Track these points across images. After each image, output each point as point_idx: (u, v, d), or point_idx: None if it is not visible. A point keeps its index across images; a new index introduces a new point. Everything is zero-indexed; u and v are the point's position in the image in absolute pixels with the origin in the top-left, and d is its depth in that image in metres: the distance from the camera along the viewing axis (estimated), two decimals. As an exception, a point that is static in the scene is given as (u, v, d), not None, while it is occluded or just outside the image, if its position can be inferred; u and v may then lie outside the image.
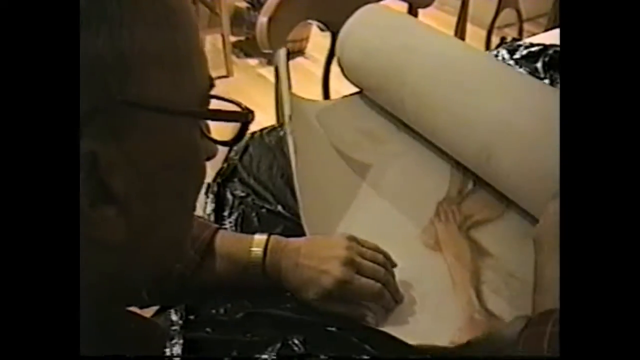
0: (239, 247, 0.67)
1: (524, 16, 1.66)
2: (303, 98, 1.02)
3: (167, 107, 0.34)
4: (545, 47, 1.29)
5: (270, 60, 2.49)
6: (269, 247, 0.67)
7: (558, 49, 1.29)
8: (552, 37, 1.40)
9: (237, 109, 0.41)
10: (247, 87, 2.65)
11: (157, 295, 0.65)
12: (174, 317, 0.64)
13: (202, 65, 0.39)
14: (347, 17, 1.17)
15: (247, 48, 2.97)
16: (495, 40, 1.53)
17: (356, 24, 0.99)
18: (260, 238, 0.68)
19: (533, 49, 1.29)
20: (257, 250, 0.67)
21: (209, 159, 0.43)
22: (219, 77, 2.77)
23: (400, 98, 0.90)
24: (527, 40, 1.38)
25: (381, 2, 1.07)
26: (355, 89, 1.07)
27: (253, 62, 2.84)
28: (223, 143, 0.42)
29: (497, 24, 1.54)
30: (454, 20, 1.45)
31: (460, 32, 1.50)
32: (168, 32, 0.34)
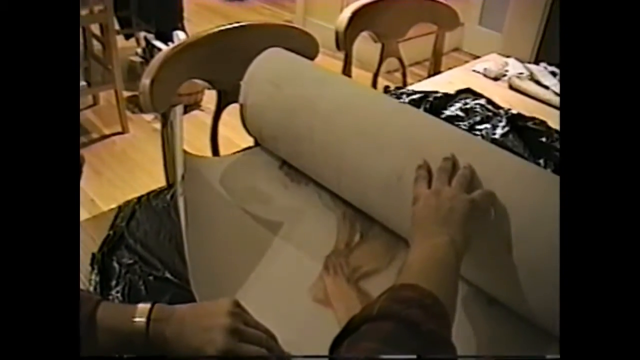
0: (122, 319, 0.66)
1: (409, 62, 1.74)
2: (196, 155, 1.02)
3: None
4: (426, 95, 1.36)
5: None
6: (152, 316, 0.65)
7: (437, 94, 1.36)
8: (433, 83, 1.48)
9: None
10: (143, 143, 2.60)
11: None
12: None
13: None
14: (232, 74, 1.19)
15: (142, 103, 2.93)
16: (382, 82, 1.60)
17: (259, 69, 1.00)
18: (143, 307, 0.66)
19: (415, 96, 1.35)
20: (140, 320, 0.65)
21: None
22: (115, 134, 2.71)
23: (309, 128, 0.92)
24: (410, 88, 1.45)
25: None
26: (246, 145, 1.07)
27: (148, 117, 2.80)
28: None
29: (383, 69, 1.60)
30: (339, 64, 1.50)
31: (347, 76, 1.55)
32: None
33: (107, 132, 2.73)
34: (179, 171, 0.83)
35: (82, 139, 2.66)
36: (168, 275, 0.81)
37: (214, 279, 0.79)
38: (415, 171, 0.77)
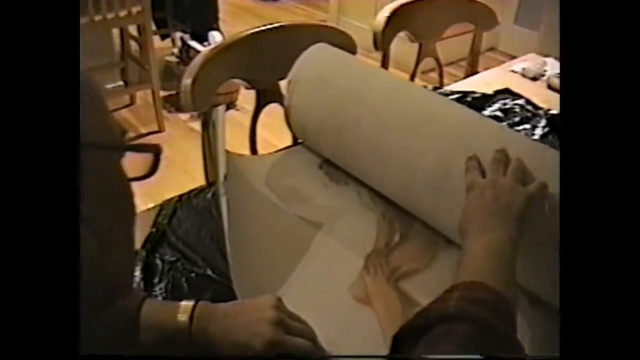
0: (166, 316, 0.67)
1: (445, 61, 1.73)
2: (236, 154, 1.03)
3: (95, 143, 0.41)
4: (464, 95, 1.35)
5: (201, 114, 2.49)
6: (196, 313, 0.66)
7: (475, 95, 1.35)
8: (470, 84, 1.47)
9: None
10: (179, 142, 2.63)
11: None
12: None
13: (112, 117, 0.46)
14: (271, 74, 1.20)
15: (178, 103, 2.97)
16: (418, 83, 1.59)
17: (306, 65, 1.01)
18: (186, 304, 0.68)
19: (453, 96, 1.35)
20: (184, 317, 0.66)
21: None
22: (151, 133, 2.75)
23: (356, 120, 0.92)
24: (447, 88, 1.44)
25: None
26: (282, 145, 1.08)
27: (184, 116, 2.84)
28: (141, 177, 0.46)
29: (420, 69, 1.60)
30: (375, 64, 1.50)
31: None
32: (95, 94, 0.44)
33: (143, 131, 2.77)
34: (222, 171, 0.84)
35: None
36: (209, 272, 0.82)
37: (255, 277, 0.80)
38: (465, 162, 0.77)
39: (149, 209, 0.97)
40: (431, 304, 0.58)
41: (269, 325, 0.64)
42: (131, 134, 2.75)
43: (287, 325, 0.65)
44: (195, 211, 0.96)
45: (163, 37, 3.26)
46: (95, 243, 0.40)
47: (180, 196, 1.00)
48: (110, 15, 2.27)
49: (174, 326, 0.66)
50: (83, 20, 2.21)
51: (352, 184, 0.98)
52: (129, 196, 0.47)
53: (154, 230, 0.91)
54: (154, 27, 3.07)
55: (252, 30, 1.16)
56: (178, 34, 3.10)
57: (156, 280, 0.82)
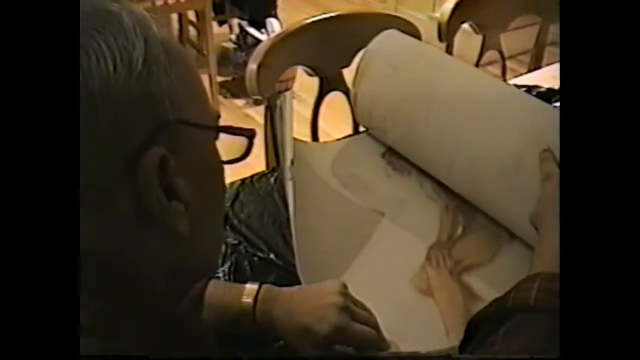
0: (230, 297, 0.68)
1: (507, 54, 1.70)
2: (300, 140, 1.03)
3: (202, 124, 0.43)
4: (529, 89, 1.32)
5: (257, 100, 2.51)
6: (260, 296, 0.67)
7: (541, 89, 1.32)
8: (534, 78, 1.43)
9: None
10: (234, 127, 2.66)
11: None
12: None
13: (208, 99, 0.47)
14: (335, 62, 1.20)
15: (233, 88, 3.00)
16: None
17: (376, 50, 1.00)
18: (251, 287, 0.68)
19: (517, 90, 1.32)
20: (248, 299, 0.67)
21: None
22: (207, 118, 2.78)
23: (426, 110, 0.91)
24: (511, 82, 1.41)
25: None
26: (346, 133, 1.08)
27: (240, 102, 2.86)
28: (235, 160, 0.48)
29: (481, 62, 1.58)
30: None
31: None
32: (192, 74, 0.44)
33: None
34: (289, 156, 0.84)
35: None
36: (272, 257, 0.83)
37: (318, 263, 0.80)
38: (539, 154, 0.75)
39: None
40: (509, 293, 0.57)
41: (335, 310, 0.64)
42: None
43: (352, 312, 0.65)
44: (258, 195, 0.97)
45: (221, 23, 3.29)
46: (188, 222, 0.41)
47: (243, 180, 1.01)
48: (171, 1, 2.31)
49: (238, 308, 0.67)
50: (145, 4, 2.25)
51: (415, 174, 0.97)
52: (221, 178, 0.48)
53: (217, 212, 0.93)
54: (212, 13, 3.10)
55: (317, 18, 1.16)
56: (235, 21, 3.12)
57: (219, 262, 0.83)
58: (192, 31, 2.91)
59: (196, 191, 0.42)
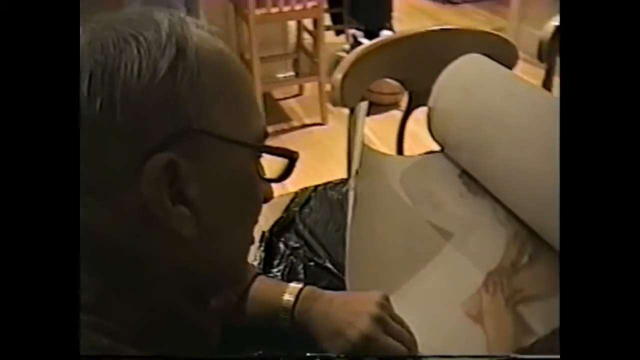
0: (273, 292, 0.70)
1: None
2: (379, 152, 1.03)
3: (230, 138, 0.44)
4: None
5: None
6: (302, 294, 0.69)
7: None
8: None
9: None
10: (339, 135, 2.69)
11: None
12: None
13: (256, 116, 0.48)
14: (425, 77, 1.19)
15: (343, 97, 3.03)
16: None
17: (453, 73, 0.99)
18: (295, 286, 0.70)
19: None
20: (290, 296, 0.69)
21: (266, 200, 0.52)
22: (314, 124, 2.83)
23: (492, 139, 0.88)
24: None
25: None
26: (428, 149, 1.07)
27: (347, 111, 2.90)
28: (274, 180, 0.50)
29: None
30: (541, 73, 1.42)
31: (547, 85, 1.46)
32: (231, 88, 0.46)
33: (307, 121, 2.87)
34: (355, 165, 0.85)
35: (284, 126, 2.82)
36: (328, 264, 0.84)
37: (371, 273, 0.80)
38: None
39: (282, 195, 1.00)
40: None
41: (368, 319, 0.64)
42: (295, 124, 2.87)
43: (386, 324, 0.64)
44: (328, 202, 0.99)
45: (338, 33, 3.35)
46: (195, 227, 0.42)
47: (316, 187, 1.03)
48: (286, 8, 2.38)
49: (279, 303, 0.69)
50: (259, 11, 2.33)
51: (489, 198, 0.94)
52: (251, 191, 0.48)
53: (284, 215, 0.95)
54: (329, 22, 3.16)
55: (409, 32, 1.16)
56: (351, 31, 3.17)
57: (276, 262, 0.85)
58: (309, 39, 2.97)
59: (215, 201, 0.44)
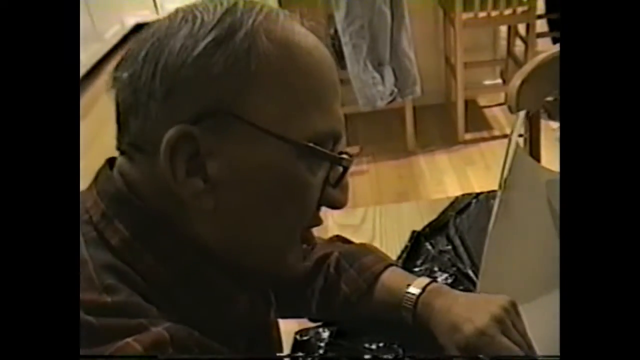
0: (402, 282, 0.70)
1: None
2: (537, 163, 0.98)
3: (264, 128, 0.44)
4: None
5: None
6: (428, 287, 0.68)
7: None
8: None
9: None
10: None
11: (321, 309, 0.73)
12: (324, 335, 0.70)
13: (322, 118, 0.47)
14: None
15: (552, 110, 2.88)
16: None
17: None
18: (423, 279, 0.70)
19: None
20: (416, 288, 0.69)
21: (336, 207, 0.51)
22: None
23: None
24: None
25: None
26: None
27: (554, 124, 2.74)
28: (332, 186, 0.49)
29: None
30: None
31: None
32: (294, 83, 0.45)
33: (508, 132, 2.76)
34: (504, 174, 0.82)
35: (484, 134, 2.75)
36: (469, 271, 0.82)
37: (503, 281, 0.76)
38: None
39: (440, 199, 1.00)
40: None
41: (488, 317, 0.62)
42: (496, 133, 2.77)
43: (505, 327, 0.62)
44: (486, 211, 0.96)
45: (555, 41, 3.17)
46: (213, 200, 0.44)
47: (478, 194, 1.01)
48: (494, 13, 2.31)
49: (403, 293, 0.69)
50: (467, 15, 2.29)
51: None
52: (291, 192, 0.47)
53: (439, 218, 0.95)
54: (546, 29, 3.01)
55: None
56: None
57: (419, 262, 0.85)
58: (520, 45, 2.86)
59: (242, 185, 0.45)
